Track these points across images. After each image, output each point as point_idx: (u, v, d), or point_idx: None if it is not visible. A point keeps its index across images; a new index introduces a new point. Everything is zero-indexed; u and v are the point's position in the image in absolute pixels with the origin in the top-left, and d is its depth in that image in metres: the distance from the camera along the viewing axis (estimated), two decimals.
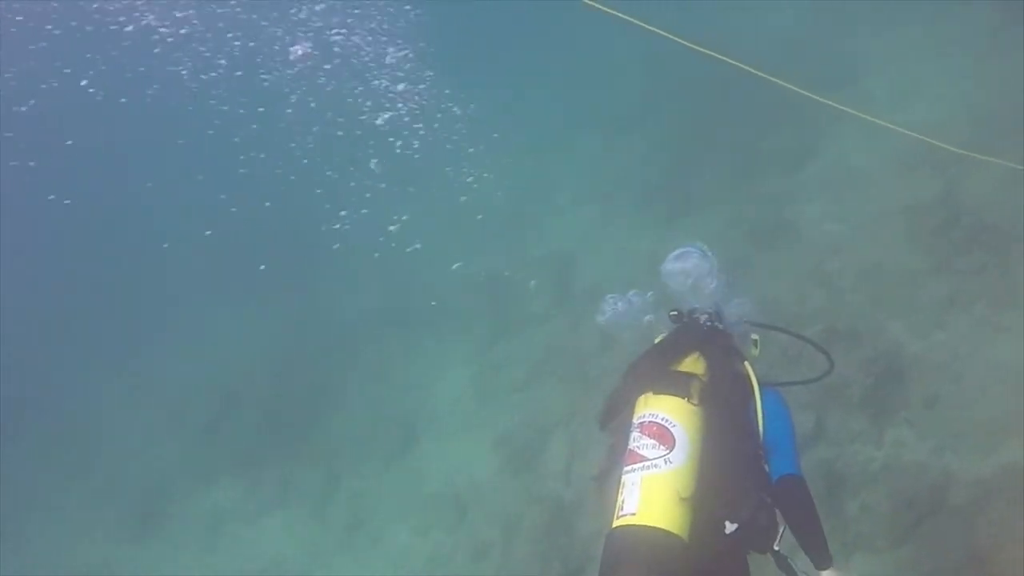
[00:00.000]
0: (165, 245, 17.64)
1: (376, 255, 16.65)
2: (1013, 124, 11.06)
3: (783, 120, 13.77)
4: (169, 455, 14.11)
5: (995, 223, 9.86)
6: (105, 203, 19.63)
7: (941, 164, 11.11)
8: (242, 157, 16.57)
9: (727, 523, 3.19)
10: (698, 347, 3.57)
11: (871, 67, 14.08)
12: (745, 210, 12.29)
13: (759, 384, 3.57)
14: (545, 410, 11.26)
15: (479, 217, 15.44)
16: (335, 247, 17.01)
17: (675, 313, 3.91)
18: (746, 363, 3.68)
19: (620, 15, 6.42)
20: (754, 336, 4.00)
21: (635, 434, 3.26)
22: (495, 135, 16.51)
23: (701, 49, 6.44)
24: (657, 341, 3.83)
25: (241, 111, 16.31)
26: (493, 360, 12.83)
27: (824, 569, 3.35)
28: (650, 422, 3.25)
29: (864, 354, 9.02)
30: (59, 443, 15.66)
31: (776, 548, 3.29)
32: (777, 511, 3.34)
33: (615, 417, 3.67)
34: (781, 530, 3.29)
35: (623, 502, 3.09)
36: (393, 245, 16.54)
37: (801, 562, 3.41)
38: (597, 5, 6.45)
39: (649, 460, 3.13)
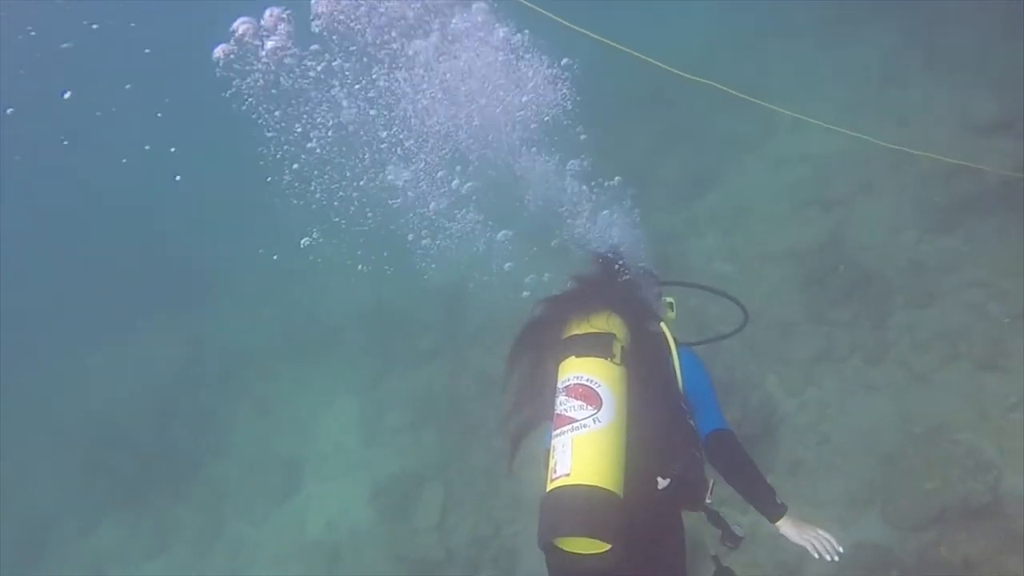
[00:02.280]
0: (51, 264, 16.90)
1: (269, 279, 16.25)
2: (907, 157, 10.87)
3: (682, 145, 13.46)
4: (51, 491, 13.51)
5: (876, 271, 9.66)
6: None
7: (830, 203, 10.91)
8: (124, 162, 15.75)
9: (659, 479, 3.19)
10: (610, 306, 3.45)
11: (773, 92, 13.74)
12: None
13: (676, 343, 3.54)
14: (422, 458, 10.95)
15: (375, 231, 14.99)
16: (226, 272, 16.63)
17: (577, 276, 3.78)
18: (662, 323, 3.63)
19: (553, 16, 6.26)
20: (668, 299, 3.97)
21: (561, 398, 3.16)
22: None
23: (627, 50, 6.13)
24: (555, 296, 3.68)
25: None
26: (379, 397, 12.46)
27: (778, 519, 3.30)
28: (575, 384, 3.15)
29: (735, 413, 8.71)
30: None
31: (708, 501, 3.27)
32: (706, 465, 3.33)
33: (522, 360, 3.54)
34: (711, 484, 3.27)
35: (555, 464, 3.00)
36: (289, 267, 16.11)
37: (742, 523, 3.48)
38: (531, 5, 6.41)
39: (578, 421, 3.04)
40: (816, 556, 3.25)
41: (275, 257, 12.53)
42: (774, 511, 3.33)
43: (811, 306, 9.59)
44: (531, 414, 3.50)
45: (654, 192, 12.94)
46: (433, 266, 13.54)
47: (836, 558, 3.24)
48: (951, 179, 9.91)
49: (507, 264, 13.24)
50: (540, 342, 3.51)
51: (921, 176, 10.24)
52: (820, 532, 3.29)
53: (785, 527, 3.33)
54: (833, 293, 9.51)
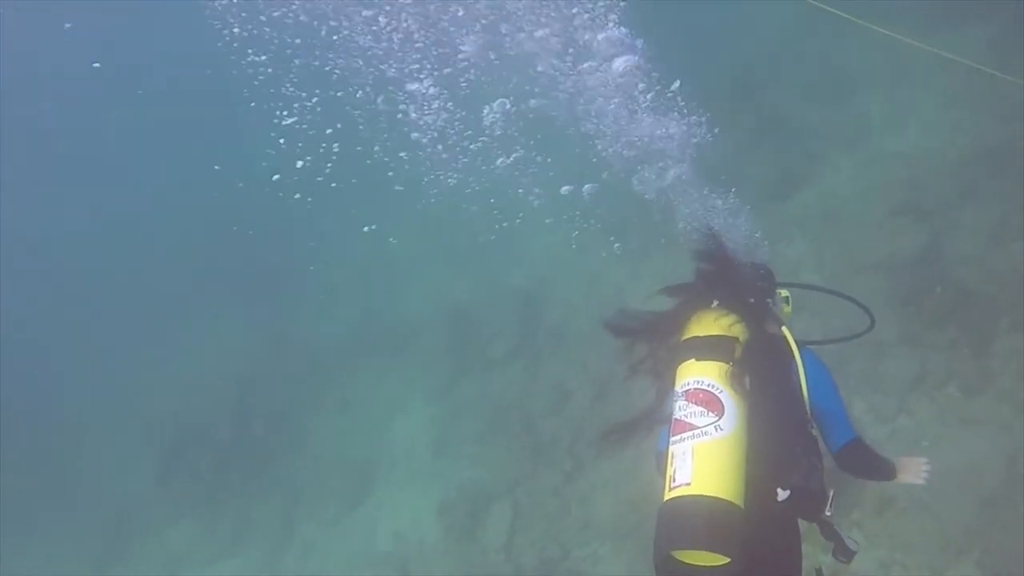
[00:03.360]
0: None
1: (349, 272, 16.18)
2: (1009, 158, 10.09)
3: (772, 141, 12.78)
4: (131, 486, 13.76)
5: (977, 288, 8.91)
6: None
7: (927, 210, 10.17)
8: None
9: (779, 490, 3.09)
10: (732, 308, 3.33)
11: (867, 83, 12.97)
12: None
13: (798, 346, 3.40)
14: (492, 473, 10.70)
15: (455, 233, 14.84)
16: (311, 268, 16.63)
17: (699, 270, 3.57)
18: (783, 327, 3.50)
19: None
20: (784, 293, 3.75)
21: (681, 403, 3.06)
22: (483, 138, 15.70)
23: None
24: (677, 293, 3.55)
25: None
26: (452, 404, 12.27)
27: (894, 477, 3.44)
28: (695, 389, 3.06)
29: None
30: (35, 464, 15.42)
31: (828, 514, 3.19)
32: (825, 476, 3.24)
33: (629, 338, 3.55)
34: (831, 495, 3.18)
35: (674, 472, 2.91)
36: (366, 263, 16.05)
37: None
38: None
39: (699, 428, 2.95)
40: (924, 483, 3.40)
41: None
42: (893, 476, 3.44)
43: (905, 326, 8.92)
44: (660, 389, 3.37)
45: (738, 192, 12.32)
46: (512, 267, 13.32)
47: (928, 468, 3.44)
48: None
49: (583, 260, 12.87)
50: (659, 335, 3.44)
51: None
52: (916, 459, 3.46)
53: (903, 479, 3.45)
54: (930, 313, 8.83)
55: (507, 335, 12.47)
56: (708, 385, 3.05)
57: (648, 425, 3.47)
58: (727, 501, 2.80)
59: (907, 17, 12.46)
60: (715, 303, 3.36)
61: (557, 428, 10.50)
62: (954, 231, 9.79)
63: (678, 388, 3.13)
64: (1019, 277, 8.82)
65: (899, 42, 12.31)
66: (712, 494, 2.80)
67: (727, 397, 3.01)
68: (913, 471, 3.44)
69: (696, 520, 2.77)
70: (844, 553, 3.33)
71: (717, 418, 2.96)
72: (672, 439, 3.01)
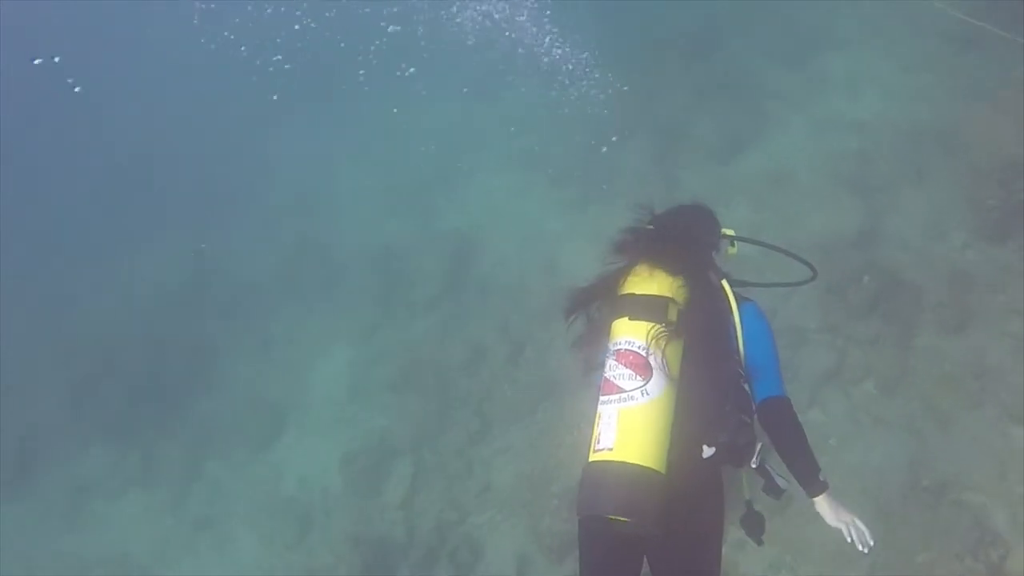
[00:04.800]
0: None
1: (287, 200, 15.61)
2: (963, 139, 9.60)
3: (722, 99, 12.17)
4: (39, 414, 13.28)
5: (909, 279, 8.52)
6: None
7: (872, 188, 9.71)
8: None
9: (704, 447, 3.12)
10: (675, 266, 3.26)
11: (831, 43, 12.34)
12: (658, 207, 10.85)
13: (737, 300, 3.37)
14: (400, 426, 10.36)
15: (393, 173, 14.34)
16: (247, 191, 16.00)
17: (650, 226, 3.49)
18: (723, 281, 3.43)
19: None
20: (729, 232, 3.68)
21: (611, 362, 3.10)
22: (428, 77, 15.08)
23: None
24: (628, 269, 3.38)
25: None
26: (372, 350, 11.86)
27: (817, 495, 3.19)
28: (626, 350, 3.08)
29: None
30: None
31: (754, 465, 3.21)
32: (756, 427, 3.24)
33: (578, 312, 3.46)
34: (758, 448, 3.20)
35: (599, 435, 2.99)
36: (306, 191, 15.48)
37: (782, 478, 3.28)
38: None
39: (626, 392, 3.00)
40: (848, 540, 3.15)
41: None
42: (816, 486, 3.18)
43: (828, 315, 8.52)
44: (588, 357, 3.38)
45: (684, 150, 11.80)
46: (451, 210, 12.80)
47: (866, 550, 3.16)
48: (1011, 179, 8.62)
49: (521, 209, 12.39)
50: (599, 296, 3.40)
51: (977, 171, 8.96)
52: (857, 520, 3.17)
53: (822, 505, 3.21)
54: (854, 303, 8.41)
55: (434, 282, 11.99)
56: (638, 347, 3.06)
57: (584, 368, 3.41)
58: (647, 468, 2.88)
59: None
60: (659, 256, 3.29)
61: (468, 386, 10.15)
62: (895, 214, 9.39)
63: (610, 345, 3.15)
64: (951, 271, 8.45)
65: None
66: (633, 460, 2.88)
67: (656, 360, 3.03)
68: (840, 515, 3.20)
69: (615, 487, 2.86)
70: (773, 491, 3.30)
71: (644, 382, 3.00)
72: (600, 398, 3.06)
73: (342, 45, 15.67)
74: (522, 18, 12.58)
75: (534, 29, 12.66)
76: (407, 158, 14.94)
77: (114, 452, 12.54)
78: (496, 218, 12.88)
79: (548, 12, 13.62)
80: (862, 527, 3.16)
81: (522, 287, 10.99)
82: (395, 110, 15.38)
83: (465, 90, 14.88)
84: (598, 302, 3.40)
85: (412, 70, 15.04)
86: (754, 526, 3.46)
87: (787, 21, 12.95)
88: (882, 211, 9.42)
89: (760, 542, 3.48)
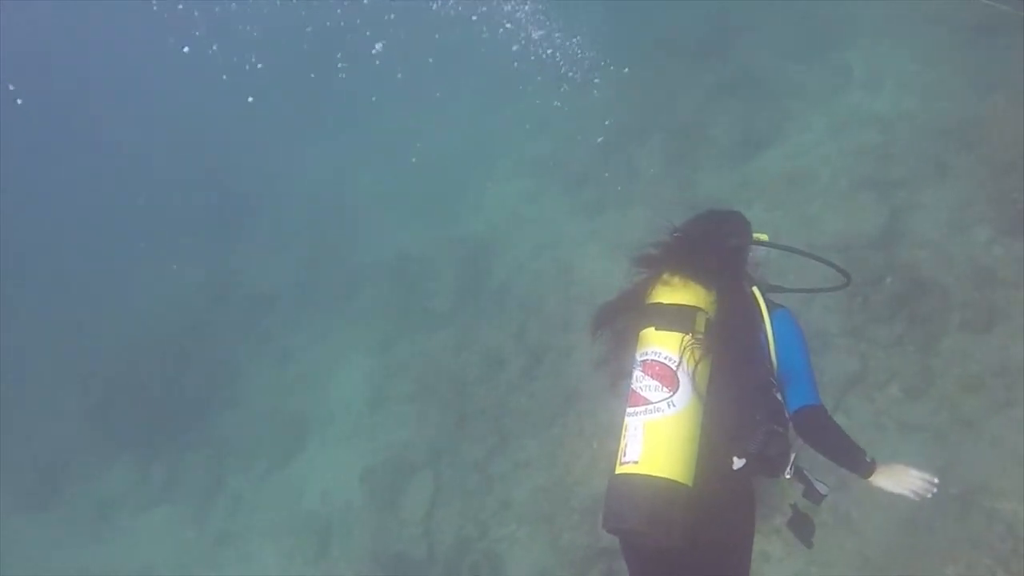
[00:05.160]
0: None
1: (301, 213, 15.61)
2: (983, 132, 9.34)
3: (741, 98, 11.98)
4: (63, 430, 13.38)
5: (932, 278, 8.29)
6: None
7: (893, 183, 9.48)
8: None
9: (735, 459, 3.08)
10: (702, 269, 3.22)
11: (849, 36, 12.10)
12: (673, 213, 10.66)
13: (768, 307, 3.31)
14: (420, 439, 10.31)
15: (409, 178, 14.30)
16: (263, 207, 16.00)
17: (679, 234, 3.43)
18: (754, 288, 3.36)
19: None
20: (764, 236, 3.58)
21: (638, 372, 3.08)
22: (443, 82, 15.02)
23: None
24: (657, 277, 3.34)
25: None
26: (390, 361, 11.83)
27: (869, 476, 3.20)
28: (652, 361, 3.06)
29: None
30: None
31: (787, 476, 3.16)
32: (789, 436, 3.19)
33: (605, 328, 3.42)
34: (792, 458, 3.14)
35: (626, 447, 2.98)
36: (320, 203, 15.48)
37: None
38: None
39: (652, 404, 2.98)
40: (917, 499, 3.17)
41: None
42: (866, 469, 3.18)
43: (850, 318, 8.30)
44: (614, 372, 3.37)
45: (700, 151, 11.62)
46: (467, 215, 12.73)
47: (935, 491, 3.20)
48: None
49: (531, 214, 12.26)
50: (624, 306, 3.35)
51: (1000, 164, 8.71)
52: (914, 473, 3.18)
53: (879, 481, 3.20)
54: (877, 305, 8.19)
55: (450, 290, 11.96)
56: (665, 358, 3.02)
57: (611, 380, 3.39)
58: (673, 481, 2.84)
59: None
60: (689, 265, 3.24)
61: (485, 398, 10.04)
62: (916, 211, 9.15)
63: (637, 355, 3.12)
64: (975, 268, 8.22)
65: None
66: (659, 474, 2.85)
67: (683, 371, 2.98)
68: (899, 478, 3.20)
69: (641, 501, 2.83)
70: (814, 496, 3.25)
71: (671, 393, 2.96)
72: (628, 410, 3.04)
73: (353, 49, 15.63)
74: (534, 19, 12.46)
75: (546, 30, 12.54)
76: (422, 163, 14.88)
77: (138, 467, 12.65)
78: (511, 223, 12.79)
79: (560, 13, 13.50)
80: (920, 475, 3.18)
81: (538, 294, 10.88)
82: (409, 114, 15.33)
83: (479, 93, 14.77)
84: (625, 315, 3.34)
85: (425, 72, 14.96)
86: (803, 528, 3.40)
87: (802, 16, 12.73)
88: (904, 208, 9.19)
89: (810, 544, 3.40)
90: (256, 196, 16.44)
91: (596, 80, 12.96)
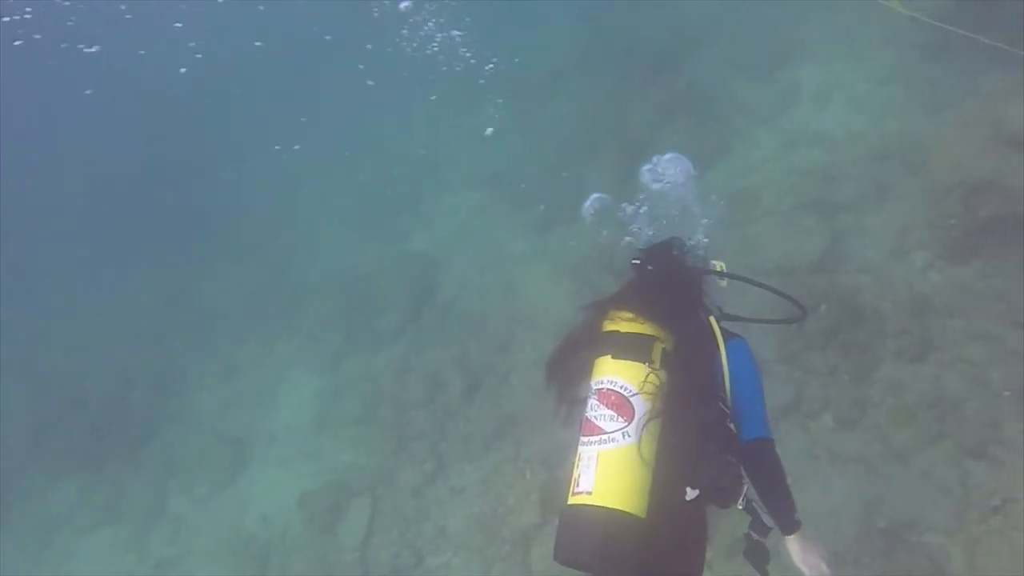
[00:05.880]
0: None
1: (249, 230, 15.42)
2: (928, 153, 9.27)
3: (690, 112, 11.89)
4: (10, 447, 13.10)
5: (870, 304, 8.22)
6: None
7: (836, 206, 9.41)
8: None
9: (688, 489, 3.04)
10: (661, 306, 3.24)
11: (801, 52, 12.04)
12: (621, 235, 10.57)
13: (724, 337, 3.30)
14: (360, 463, 10.15)
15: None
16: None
17: (637, 261, 3.50)
18: (711, 318, 3.37)
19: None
20: (719, 264, 3.66)
21: (593, 401, 3.06)
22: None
23: None
24: (612, 305, 3.37)
25: None
26: (335, 381, 11.67)
27: (791, 533, 3.20)
28: (608, 390, 3.04)
29: None
30: None
31: (740, 507, 3.14)
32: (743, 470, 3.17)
33: (562, 374, 3.38)
34: (744, 489, 3.12)
35: (579, 477, 2.95)
36: (275, 216, 15.31)
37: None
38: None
39: (607, 433, 2.96)
40: None
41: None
42: (790, 525, 3.19)
43: (786, 345, 8.21)
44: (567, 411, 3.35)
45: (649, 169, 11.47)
46: (417, 231, 12.58)
47: None
48: (974, 195, 8.31)
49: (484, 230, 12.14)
50: (575, 347, 3.34)
51: (942, 188, 8.64)
52: (824, 567, 3.18)
53: (793, 544, 3.21)
54: (813, 333, 8.10)
55: (397, 309, 11.78)
56: (620, 387, 3.01)
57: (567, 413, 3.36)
58: (627, 513, 2.82)
59: None
60: (645, 301, 3.26)
61: (424, 422, 9.92)
62: (858, 235, 9.10)
63: (593, 384, 3.11)
64: (912, 295, 8.17)
65: (839, 7, 11.41)
66: (612, 505, 2.83)
67: (639, 401, 2.97)
68: (808, 557, 3.22)
69: (591, 535, 2.82)
70: (760, 529, 3.24)
71: (626, 423, 2.94)
72: (581, 439, 3.02)
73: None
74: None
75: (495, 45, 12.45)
76: (375, 176, 14.75)
77: (80, 487, 12.37)
78: (461, 239, 12.67)
79: (509, 25, 13.38)
80: (828, 572, 3.18)
81: (482, 314, 10.77)
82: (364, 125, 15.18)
83: (433, 100, 14.62)
84: (577, 355, 3.31)
85: (375, 83, 14.81)
86: (758, 557, 3.33)
87: (757, 30, 12.65)
88: (846, 232, 9.13)
89: (765, 573, 3.34)
90: (207, 208, 16.20)
91: (550, 93, 12.86)
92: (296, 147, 15.43)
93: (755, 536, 3.27)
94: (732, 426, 3.21)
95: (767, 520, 3.23)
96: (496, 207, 12.73)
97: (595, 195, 4.44)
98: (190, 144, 15.97)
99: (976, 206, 8.29)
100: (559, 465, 8.49)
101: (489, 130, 12.94)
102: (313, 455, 10.98)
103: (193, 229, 15.66)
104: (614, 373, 3.07)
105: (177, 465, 12.03)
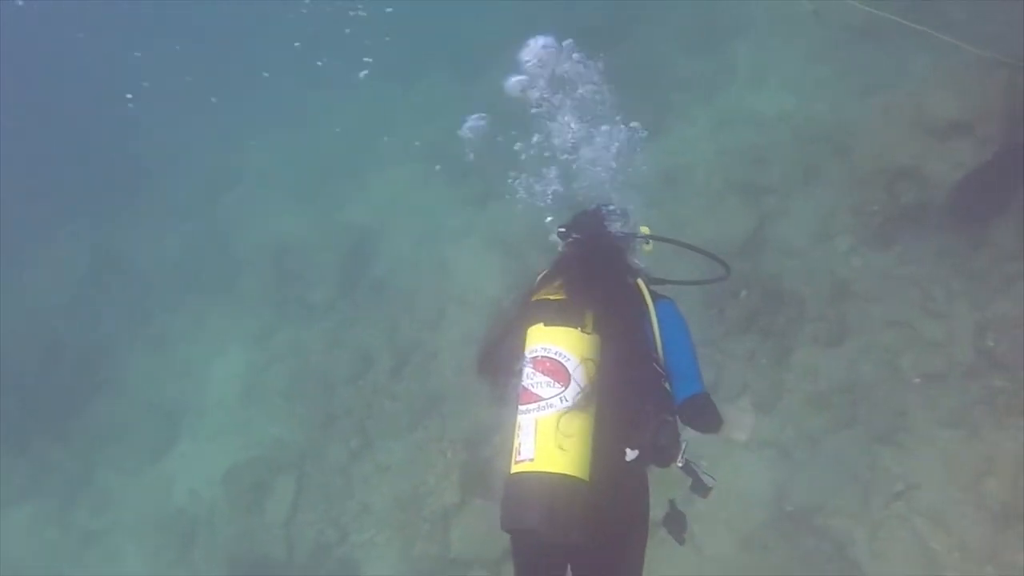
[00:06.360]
0: None
1: (186, 194, 15.11)
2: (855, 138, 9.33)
3: (633, 91, 11.73)
4: None
5: (792, 288, 8.30)
6: None
7: (763, 189, 9.46)
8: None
9: (628, 450, 3.00)
10: (590, 271, 3.22)
11: (740, 30, 12.01)
12: (555, 209, 10.55)
13: (653, 298, 3.27)
14: (287, 438, 10.09)
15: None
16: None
17: (563, 230, 3.51)
18: (639, 280, 3.33)
19: None
20: (645, 230, 3.63)
21: (528, 370, 3.01)
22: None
23: None
24: (542, 275, 3.39)
25: None
26: (266, 353, 11.55)
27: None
28: (542, 357, 3.00)
29: None
30: None
31: (680, 464, 3.11)
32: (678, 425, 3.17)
33: (495, 363, 3.35)
34: (683, 447, 3.10)
35: (520, 445, 2.91)
36: (212, 182, 15.01)
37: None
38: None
39: (544, 400, 2.93)
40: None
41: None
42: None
43: (708, 328, 8.26)
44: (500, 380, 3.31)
45: (586, 145, 11.43)
46: (352, 203, 12.41)
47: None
48: (896, 182, 8.42)
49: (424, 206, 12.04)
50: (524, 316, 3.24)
51: (866, 173, 8.73)
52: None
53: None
54: (732, 318, 8.19)
55: (330, 282, 11.66)
56: (555, 353, 2.99)
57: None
58: (569, 476, 2.81)
59: None
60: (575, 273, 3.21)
61: (351, 399, 9.91)
62: (783, 218, 9.20)
63: (527, 352, 3.07)
64: (832, 280, 8.28)
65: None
66: (555, 470, 2.81)
67: (574, 365, 2.96)
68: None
69: (538, 500, 2.79)
70: (700, 488, 3.24)
71: (563, 388, 2.92)
72: (520, 407, 2.98)
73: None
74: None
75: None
76: (314, 145, 14.52)
77: (3, 460, 12.09)
78: (396, 212, 12.53)
79: None
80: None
81: (413, 289, 10.71)
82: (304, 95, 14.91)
83: (368, 73, 14.37)
84: (508, 341, 3.27)
85: (321, 56, 14.52)
86: (676, 525, 3.38)
87: (699, 7, 12.57)
88: (772, 215, 9.21)
89: (682, 541, 3.37)
90: (143, 170, 15.84)
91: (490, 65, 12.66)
92: (234, 111, 15.13)
93: (697, 494, 3.30)
94: (666, 385, 3.22)
95: (707, 480, 3.27)
96: (432, 180, 12.59)
97: (474, 116, 4.59)
98: (118, 101, 15.45)
99: (898, 193, 8.40)
100: (481, 445, 8.55)
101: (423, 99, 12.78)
102: (242, 429, 10.89)
103: (123, 191, 15.27)
104: (547, 340, 3.05)
105: (106, 437, 11.87)
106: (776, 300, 8.25)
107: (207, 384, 11.87)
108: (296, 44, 14.29)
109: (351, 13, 13.37)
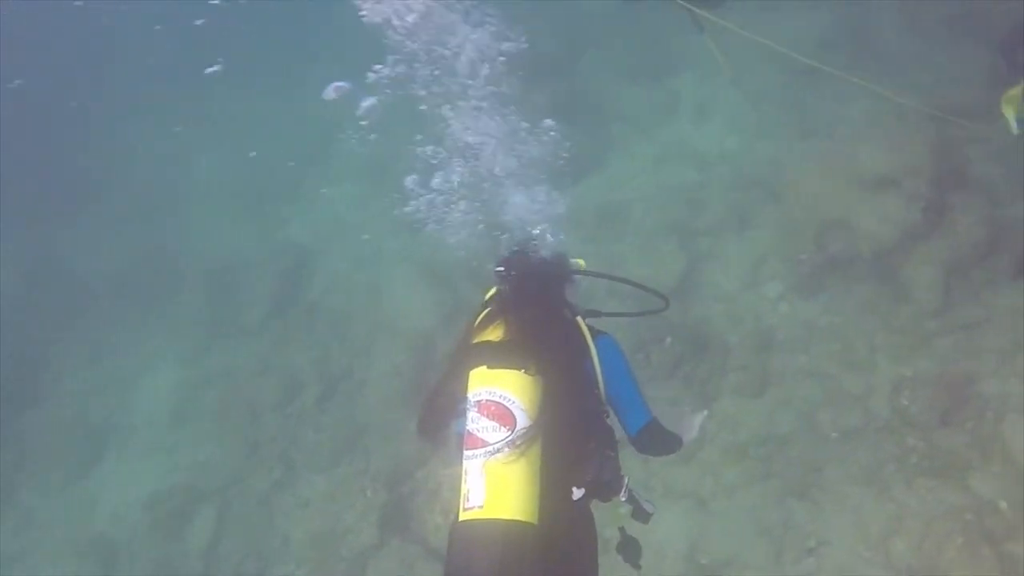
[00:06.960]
0: None
1: (129, 205, 14.88)
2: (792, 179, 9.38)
3: (577, 122, 11.77)
4: None
5: (717, 335, 8.35)
6: None
7: (697, 231, 9.51)
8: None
9: (574, 489, 3.03)
10: (529, 310, 3.21)
11: (685, 64, 12.05)
12: (489, 239, 10.51)
13: (592, 334, 3.32)
14: (212, 464, 9.92)
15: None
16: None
17: (501, 269, 3.44)
18: (577, 317, 3.38)
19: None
20: (580, 261, 3.68)
21: (473, 414, 2.96)
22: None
23: None
24: (481, 316, 3.35)
25: None
26: (197, 375, 11.40)
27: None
28: (487, 400, 2.96)
29: None
30: None
31: (623, 498, 3.17)
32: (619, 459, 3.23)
33: (436, 418, 3.32)
34: (626, 481, 3.17)
35: (468, 492, 2.86)
36: (155, 193, 14.80)
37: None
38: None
39: (491, 444, 2.88)
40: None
41: None
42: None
43: (635, 371, 8.24)
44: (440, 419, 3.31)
45: (527, 174, 11.39)
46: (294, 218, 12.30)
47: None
48: (826, 232, 8.49)
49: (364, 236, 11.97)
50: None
51: (798, 220, 8.80)
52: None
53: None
54: (657, 364, 8.19)
55: (265, 302, 11.56)
56: (500, 396, 2.95)
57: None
58: (519, 522, 2.78)
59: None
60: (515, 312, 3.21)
61: (277, 426, 9.83)
62: (715, 261, 9.19)
63: (470, 395, 3.02)
64: (759, 327, 8.32)
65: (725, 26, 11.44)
66: (505, 516, 2.78)
67: (519, 408, 2.93)
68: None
69: (489, 549, 2.76)
70: (641, 516, 3.30)
71: (509, 433, 2.88)
72: (465, 453, 2.94)
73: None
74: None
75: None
76: (259, 159, 14.34)
77: None
78: (334, 232, 12.47)
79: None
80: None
81: (345, 315, 10.63)
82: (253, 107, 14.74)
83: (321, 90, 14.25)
84: (447, 395, 3.25)
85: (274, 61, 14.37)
86: (631, 552, 3.41)
87: (650, 37, 12.60)
88: (704, 258, 9.25)
89: (638, 567, 3.42)
90: (87, 178, 15.56)
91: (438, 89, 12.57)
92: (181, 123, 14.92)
93: (639, 521, 3.33)
94: (608, 421, 3.27)
95: (648, 507, 3.30)
96: (372, 200, 12.50)
97: (337, 83, 4.52)
98: (62, 106, 15.16)
99: (827, 243, 8.45)
100: (403, 482, 8.49)
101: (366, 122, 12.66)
102: (168, 451, 10.75)
103: (63, 199, 14.98)
104: (491, 383, 3.01)
105: (32, 452, 11.63)
106: (702, 348, 8.28)
107: (136, 402, 11.70)
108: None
109: None
